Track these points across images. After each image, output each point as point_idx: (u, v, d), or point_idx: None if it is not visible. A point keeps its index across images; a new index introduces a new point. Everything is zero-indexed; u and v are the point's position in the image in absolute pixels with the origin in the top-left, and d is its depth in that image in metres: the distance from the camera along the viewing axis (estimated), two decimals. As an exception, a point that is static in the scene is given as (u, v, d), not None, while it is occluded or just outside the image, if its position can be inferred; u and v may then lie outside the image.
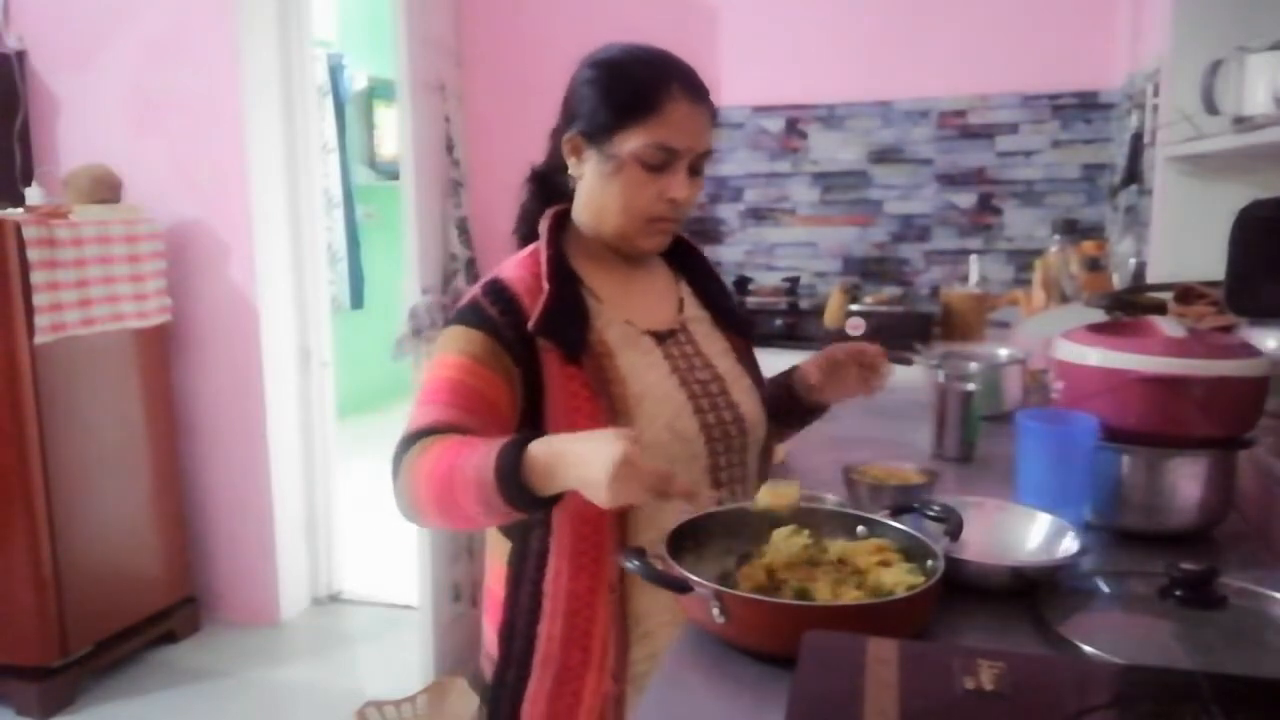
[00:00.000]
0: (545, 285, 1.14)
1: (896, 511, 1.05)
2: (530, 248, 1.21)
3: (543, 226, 1.21)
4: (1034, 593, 0.94)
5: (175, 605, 3.12)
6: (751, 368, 1.29)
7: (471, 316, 1.14)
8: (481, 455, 0.96)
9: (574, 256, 1.21)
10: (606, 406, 1.11)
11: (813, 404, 1.32)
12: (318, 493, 3.43)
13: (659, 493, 0.91)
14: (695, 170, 1.17)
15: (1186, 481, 1.12)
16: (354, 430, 4.74)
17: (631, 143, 1.12)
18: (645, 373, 1.16)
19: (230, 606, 3.29)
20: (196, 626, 3.20)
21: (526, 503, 0.95)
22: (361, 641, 3.20)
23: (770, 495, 1.03)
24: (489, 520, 1.02)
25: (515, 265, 1.19)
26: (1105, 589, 0.98)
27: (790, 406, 1.32)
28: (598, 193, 1.17)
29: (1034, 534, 1.06)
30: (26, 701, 2.67)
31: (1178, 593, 0.90)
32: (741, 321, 1.33)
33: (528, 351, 1.12)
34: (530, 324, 1.12)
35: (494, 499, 0.95)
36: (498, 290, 1.16)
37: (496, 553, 1.22)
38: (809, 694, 0.69)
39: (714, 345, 1.26)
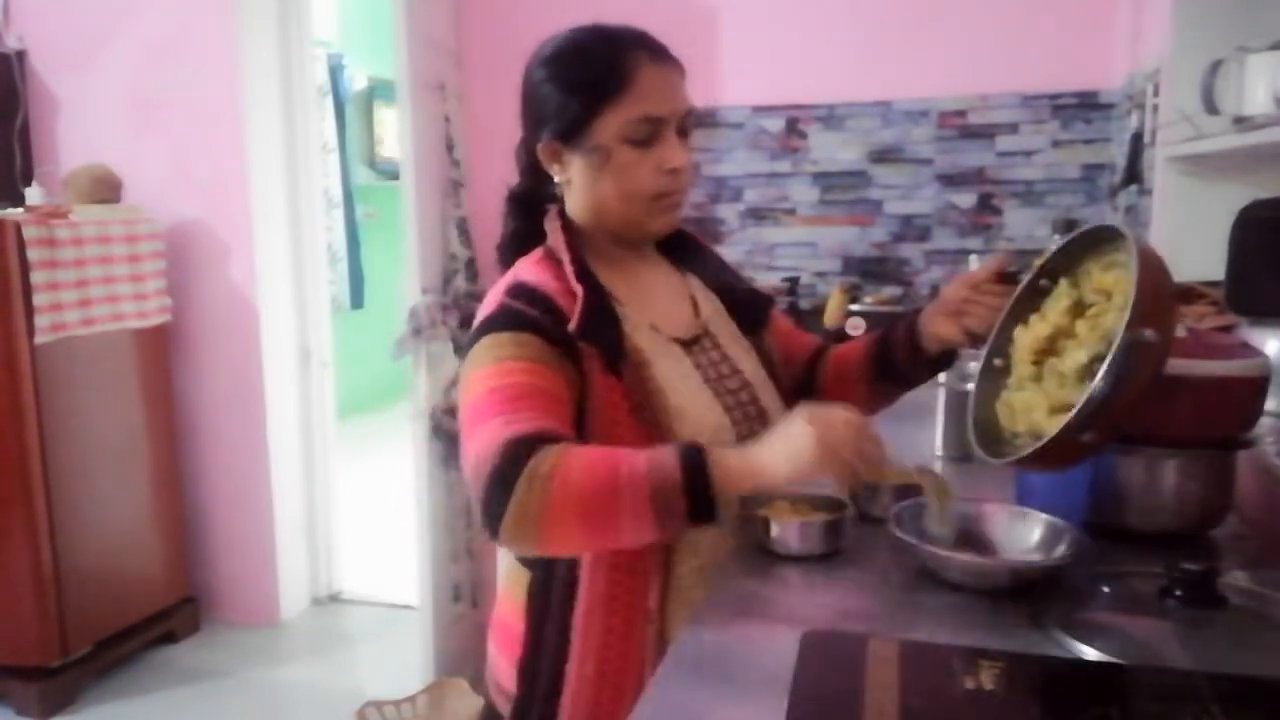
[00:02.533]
0: (576, 286, 1.06)
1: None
2: (537, 255, 1.13)
3: (552, 228, 1.13)
4: (1033, 592, 0.94)
5: (175, 605, 3.12)
6: (771, 367, 1.24)
7: (511, 320, 1.04)
8: (656, 455, 0.92)
9: (585, 258, 1.12)
10: (649, 419, 1.05)
11: (939, 350, 1.20)
12: (318, 493, 3.43)
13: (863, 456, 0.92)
14: (683, 133, 1.11)
15: (1186, 481, 1.11)
16: (354, 430, 4.74)
17: (612, 126, 1.06)
18: (680, 384, 1.10)
19: (230, 606, 3.29)
20: (196, 626, 3.20)
21: (705, 508, 0.92)
22: (361, 641, 3.20)
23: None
24: (645, 532, 0.93)
25: (532, 269, 1.10)
26: (1105, 589, 0.98)
27: (906, 364, 1.21)
28: (592, 189, 1.10)
29: (1033, 534, 1.05)
30: (26, 701, 2.67)
31: (1178, 593, 0.90)
32: (759, 304, 1.27)
33: (574, 355, 1.04)
34: (571, 325, 1.04)
35: (674, 500, 0.90)
36: (527, 292, 1.06)
37: (513, 583, 1.15)
38: (809, 694, 0.69)
39: (737, 347, 1.21)
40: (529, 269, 1.10)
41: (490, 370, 1.01)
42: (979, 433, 1.06)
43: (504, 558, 1.16)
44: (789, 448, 0.93)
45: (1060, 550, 1.00)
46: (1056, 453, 0.94)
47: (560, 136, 1.10)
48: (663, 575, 1.08)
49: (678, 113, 1.09)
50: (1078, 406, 0.90)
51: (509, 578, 1.17)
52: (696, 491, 0.91)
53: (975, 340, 1.15)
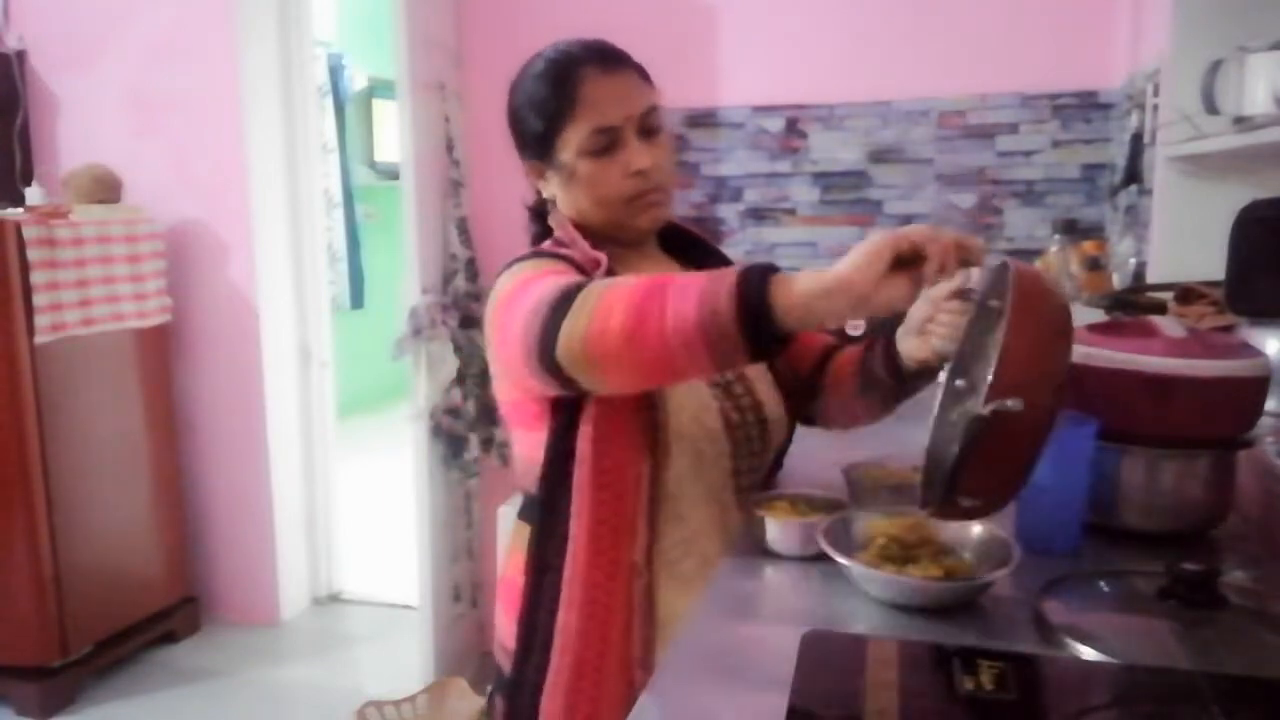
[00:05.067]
0: (595, 254, 1.12)
1: None
2: (547, 244, 1.20)
3: (559, 222, 1.19)
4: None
5: (175, 605, 3.12)
6: (771, 361, 1.23)
7: (542, 254, 1.12)
8: (711, 283, 0.87)
9: None
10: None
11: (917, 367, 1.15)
12: (318, 493, 3.43)
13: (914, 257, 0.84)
14: (649, 132, 1.14)
15: (1186, 481, 1.11)
16: (354, 430, 4.74)
17: (571, 143, 1.12)
18: None
19: (230, 606, 3.29)
20: (196, 626, 3.20)
21: (759, 326, 0.86)
22: (361, 641, 3.20)
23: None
24: (692, 353, 0.88)
25: (548, 247, 1.17)
26: (1105, 589, 0.98)
27: (887, 381, 1.18)
28: (571, 201, 1.17)
29: (970, 544, 1.02)
30: (26, 701, 2.67)
31: (1178, 593, 0.90)
32: None
33: None
34: (599, 271, 1.08)
35: (729, 336, 0.86)
36: (550, 250, 1.14)
37: (517, 539, 1.20)
38: (809, 694, 0.69)
39: None
40: (545, 247, 1.18)
41: (529, 273, 1.06)
42: (930, 464, 0.95)
43: (510, 517, 1.19)
44: (865, 251, 0.84)
45: (988, 567, 0.97)
46: (944, 512, 0.89)
47: (536, 157, 1.18)
48: (647, 534, 1.12)
49: (633, 117, 1.12)
50: (925, 477, 0.88)
51: (515, 534, 1.21)
52: (753, 328, 0.86)
53: (946, 358, 1.08)
